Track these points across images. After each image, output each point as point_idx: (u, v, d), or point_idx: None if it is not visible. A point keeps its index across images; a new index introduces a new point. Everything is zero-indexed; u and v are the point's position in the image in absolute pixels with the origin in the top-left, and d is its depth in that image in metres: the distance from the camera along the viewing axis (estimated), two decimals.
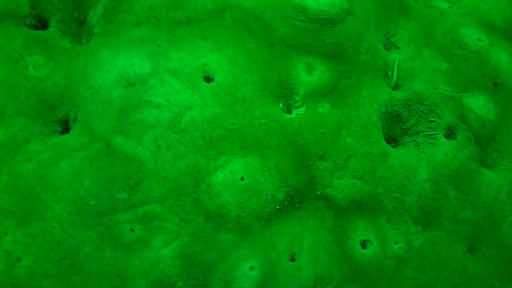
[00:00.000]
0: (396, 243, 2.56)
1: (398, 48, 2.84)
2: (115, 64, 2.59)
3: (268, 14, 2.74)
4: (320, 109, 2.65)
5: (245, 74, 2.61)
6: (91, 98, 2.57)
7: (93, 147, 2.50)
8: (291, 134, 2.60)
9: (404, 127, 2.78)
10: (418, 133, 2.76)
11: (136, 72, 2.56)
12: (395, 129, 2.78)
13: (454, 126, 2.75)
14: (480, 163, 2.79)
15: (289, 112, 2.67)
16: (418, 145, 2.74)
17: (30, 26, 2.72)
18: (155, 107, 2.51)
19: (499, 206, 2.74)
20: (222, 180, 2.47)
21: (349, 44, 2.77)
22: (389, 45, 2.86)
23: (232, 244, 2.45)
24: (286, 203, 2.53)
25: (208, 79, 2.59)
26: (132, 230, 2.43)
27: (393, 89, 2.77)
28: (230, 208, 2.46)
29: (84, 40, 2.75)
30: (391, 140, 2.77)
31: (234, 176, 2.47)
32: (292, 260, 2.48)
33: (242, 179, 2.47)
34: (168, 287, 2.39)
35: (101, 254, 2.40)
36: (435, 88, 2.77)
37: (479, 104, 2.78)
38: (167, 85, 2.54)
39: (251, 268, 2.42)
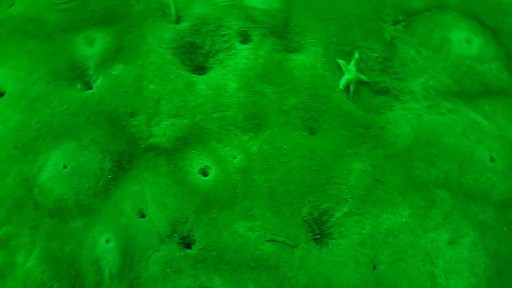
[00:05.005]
0: (234, 158, 2.62)
1: None
2: None
3: (35, 12, 2.81)
4: (114, 72, 2.71)
5: (32, 74, 2.67)
6: None
7: None
8: (95, 106, 2.66)
9: (203, 52, 2.84)
10: (217, 51, 2.82)
11: None
12: (198, 58, 2.83)
13: (245, 30, 2.80)
14: (286, 51, 2.83)
15: (90, 88, 2.73)
16: (222, 62, 2.79)
17: None
18: None
19: (321, 81, 2.79)
20: (48, 176, 2.54)
21: (118, 3, 2.83)
22: None
23: (83, 228, 2.52)
24: (115, 169, 2.59)
25: (1, 95, 2.66)
26: None
27: (177, 23, 2.82)
28: (66, 197, 2.53)
29: None
30: (199, 68, 2.83)
31: (57, 168, 2.54)
32: (142, 216, 2.55)
33: (65, 167, 2.54)
34: None
35: None
36: (214, 4, 2.82)
37: None
38: None
39: (107, 240, 2.49)
